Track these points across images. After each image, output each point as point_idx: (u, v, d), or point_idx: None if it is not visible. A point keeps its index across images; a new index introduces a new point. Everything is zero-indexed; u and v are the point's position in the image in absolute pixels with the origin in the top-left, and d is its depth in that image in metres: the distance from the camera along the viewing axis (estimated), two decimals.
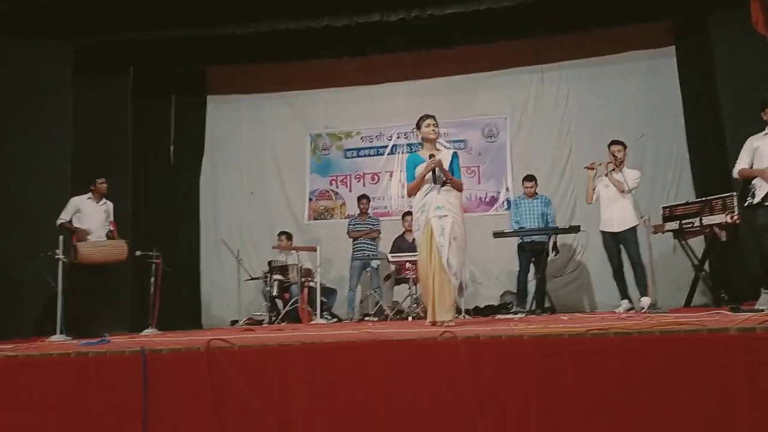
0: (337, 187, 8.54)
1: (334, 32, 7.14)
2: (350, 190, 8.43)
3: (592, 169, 6.15)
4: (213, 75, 8.77)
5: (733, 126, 6.41)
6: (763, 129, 4.88)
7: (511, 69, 8.25)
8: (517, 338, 2.25)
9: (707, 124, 7.40)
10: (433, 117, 4.62)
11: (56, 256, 5.58)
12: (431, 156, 4.42)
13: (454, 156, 4.60)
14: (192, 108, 8.69)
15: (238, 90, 8.78)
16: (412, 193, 4.57)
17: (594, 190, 6.19)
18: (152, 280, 6.32)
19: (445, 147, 4.84)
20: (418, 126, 4.66)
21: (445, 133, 8.27)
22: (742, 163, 4.95)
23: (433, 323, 4.23)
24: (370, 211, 7.76)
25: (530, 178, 7.05)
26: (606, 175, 6.11)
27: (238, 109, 8.79)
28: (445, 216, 4.36)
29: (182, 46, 7.66)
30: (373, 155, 8.49)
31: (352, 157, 8.55)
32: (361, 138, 8.53)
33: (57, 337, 5.21)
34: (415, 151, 4.83)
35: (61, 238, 5.73)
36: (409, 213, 7.48)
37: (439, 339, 2.31)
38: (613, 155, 6.06)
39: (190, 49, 7.74)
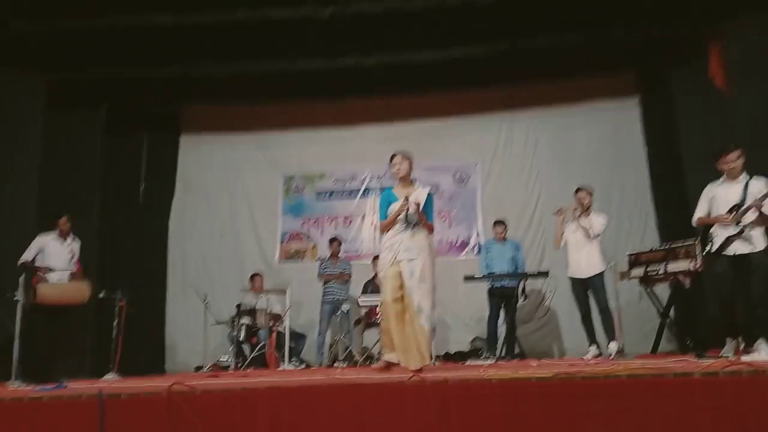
0: (308, 229, 8.52)
1: (310, 75, 7.26)
2: (322, 233, 8.42)
3: (561, 214, 6.27)
4: (187, 115, 8.77)
5: (695, 176, 6.60)
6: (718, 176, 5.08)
7: (481, 116, 8.46)
8: (485, 382, 2.24)
9: (670, 174, 7.63)
10: (400, 154, 4.55)
11: (14, 298, 5.42)
12: (406, 198, 4.35)
13: (429, 196, 4.53)
14: (164, 147, 8.65)
15: (211, 130, 8.79)
16: (384, 231, 4.48)
17: (562, 235, 6.30)
18: (115, 323, 6.13)
19: (420, 186, 4.70)
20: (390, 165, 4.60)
21: (416, 177, 8.38)
22: (700, 212, 5.07)
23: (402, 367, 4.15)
24: (341, 253, 7.71)
25: (500, 222, 7.10)
26: (573, 220, 6.23)
27: (211, 149, 8.78)
28: (415, 259, 4.30)
29: (157, 85, 7.70)
30: (346, 198, 8.52)
31: (325, 199, 8.56)
32: (333, 180, 8.57)
33: (12, 383, 4.98)
34: (389, 188, 4.70)
35: (21, 278, 5.56)
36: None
37: (406, 382, 2.28)
38: (580, 201, 6.20)
39: (164, 88, 7.78)
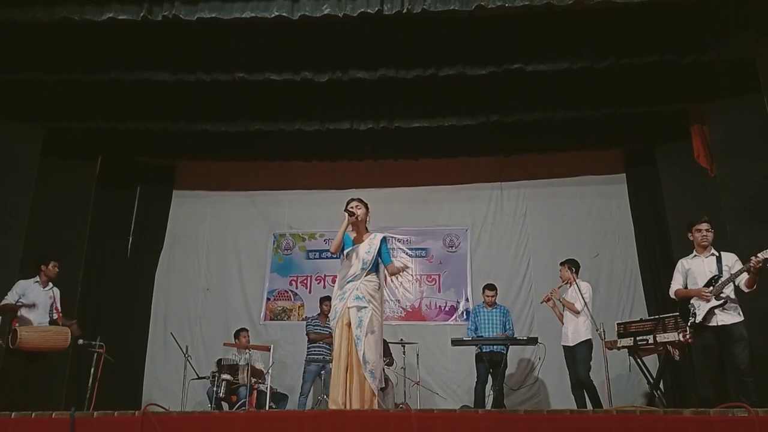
0: (296, 287, 8.42)
1: (305, 136, 7.37)
2: (310, 292, 8.33)
3: (549, 300, 6.36)
4: (181, 169, 8.87)
5: (681, 250, 6.62)
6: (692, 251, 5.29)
7: (473, 184, 8.58)
8: (472, 414, 2.18)
9: (657, 247, 7.73)
10: (357, 199, 4.66)
11: None
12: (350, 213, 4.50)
13: (383, 241, 4.58)
14: (157, 201, 8.69)
15: (204, 186, 8.85)
16: (334, 250, 4.60)
17: (562, 312, 6.38)
18: (92, 370, 5.95)
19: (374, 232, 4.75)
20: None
21: (407, 240, 8.44)
22: (676, 284, 5.30)
23: None
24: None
25: (491, 287, 7.06)
26: (559, 299, 6.32)
27: (203, 204, 8.81)
28: (365, 307, 4.30)
29: (154, 139, 7.80)
30: (336, 258, 8.41)
31: (314, 259, 8.52)
32: (324, 240, 8.55)
33: None
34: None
35: None
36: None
37: (391, 412, 2.21)
38: (560, 276, 6.37)
39: (162, 142, 7.87)
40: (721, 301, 4.90)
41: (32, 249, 6.65)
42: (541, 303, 6.50)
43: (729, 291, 4.93)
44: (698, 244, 5.17)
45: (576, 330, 6.16)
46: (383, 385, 4.64)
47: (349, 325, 4.28)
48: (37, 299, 5.98)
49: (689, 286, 5.17)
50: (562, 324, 6.42)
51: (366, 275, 4.42)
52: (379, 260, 4.56)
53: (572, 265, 6.37)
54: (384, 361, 4.86)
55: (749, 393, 4.58)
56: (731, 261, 5.01)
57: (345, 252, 4.54)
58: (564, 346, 6.26)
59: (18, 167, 6.81)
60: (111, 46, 6.12)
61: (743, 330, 4.86)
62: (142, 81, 6.37)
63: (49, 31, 5.89)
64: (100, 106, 6.97)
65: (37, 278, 6.04)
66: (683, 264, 5.28)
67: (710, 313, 4.93)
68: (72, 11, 5.43)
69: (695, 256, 5.21)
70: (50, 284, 6.14)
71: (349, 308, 4.32)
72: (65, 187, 7.46)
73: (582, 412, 2.15)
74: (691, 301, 5.09)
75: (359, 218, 4.59)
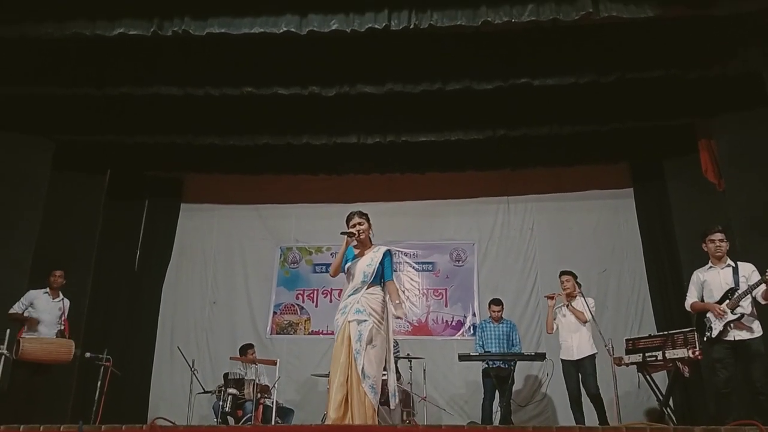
0: (303, 301, 8.40)
1: (313, 150, 7.41)
2: (316, 305, 8.31)
3: (552, 298, 6.31)
4: (190, 183, 8.91)
5: (690, 265, 6.58)
6: (707, 263, 5.14)
7: (480, 198, 8.56)
8: (480, 430, 2.16)
9: (666, 263, 7.68)
10: (357, 214, 4.55)
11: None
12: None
13: (386, 254, 4.47)
14: (164, 214, 8.72)
15: (212, 199, 8.87)
16: (333, 272, 4.54)
17: (554, 320, 6.34)
18: (99, 383, 5.94)
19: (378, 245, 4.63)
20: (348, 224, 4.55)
21: (413, 254, 8.42)
22: (692, 297, 5.16)
23: None
24: None
25: (497, 302, 7.03)
26: (566, 306, 6.23)
27: (211, 217, 8.84)
28: (365, 321, 4.17)
29: (163, 153, 7.86)
30: (343, 271, 8.44)
31: (321, 272, 8.47)
32: (331, 254, 8.47)
33: None
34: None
35: (8, 331, 5.49)
36: None
37: (399, 427, 2.20)
38: (562, 286, 6.31)
39: (170, 156, 7.93)
40: (737, 316, 4.75)
41: (42, 261, 6.70)
42: (545, 296, 6.47)
43: (746, 304, 4.77)
44: (712, 255, 5.02)
45: (580, 344, 6.11)
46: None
47: (350, 338, 4.17)
48: (45, 310, 6.01)
49: (705, 299, 5.01)
50: (549, 332, 6.41)
51: (367, 288, 4.31)
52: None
53: (574, 277, 6.35)
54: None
55: (764, 411, 4.40)
56: (748, 272, 4.83)
57: (347, 266, 4.46)
58: (564, 360, 6.19)
59: (28, 180, 6.91)
60: (121, 61, 6.18)
61: (761, 345, 4.72)
62: (152, 95, 6.44)
63: (60, 45, 5.95)
64: (109, 120, 7.03)
65: (47, 289, 6.08)
66: (698, 276, 5.12)
67: (726, 328, 4.79)
68: (83, 26, 5.47)
69: (711, 267, 5.05)
70: (60, 295, 6.17)
71: (349, 322, 4.20)
72: (75, 199, 7.52)
73: (592, 428, 2.12)
74: (707, 315, 4.94)
75: (361, 236, 4.50)
